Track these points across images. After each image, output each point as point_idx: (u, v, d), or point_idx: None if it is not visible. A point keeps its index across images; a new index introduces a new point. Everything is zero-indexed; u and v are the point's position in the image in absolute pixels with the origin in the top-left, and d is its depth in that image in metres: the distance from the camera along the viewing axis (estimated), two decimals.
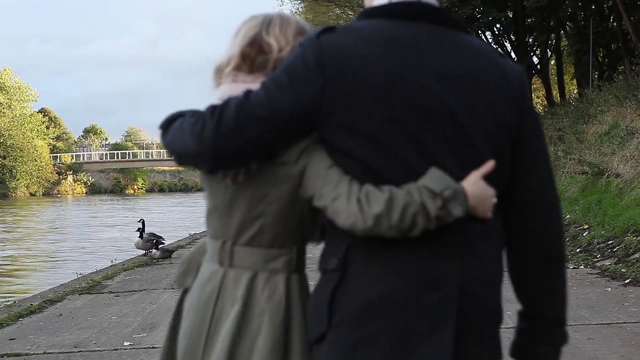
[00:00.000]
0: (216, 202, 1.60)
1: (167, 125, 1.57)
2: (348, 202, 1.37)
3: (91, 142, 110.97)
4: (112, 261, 11.36)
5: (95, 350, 5.06)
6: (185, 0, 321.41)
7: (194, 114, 1.49)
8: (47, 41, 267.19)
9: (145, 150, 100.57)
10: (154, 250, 10.81)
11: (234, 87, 1.55)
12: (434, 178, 1.38)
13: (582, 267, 7.68)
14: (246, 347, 1.53)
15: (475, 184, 1.41)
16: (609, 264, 7.47)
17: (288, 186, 1.50)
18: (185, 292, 1.73)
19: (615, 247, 7.95)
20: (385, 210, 1.34)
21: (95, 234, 23.16)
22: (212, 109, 1.45)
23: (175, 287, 1.79)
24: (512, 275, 1.66)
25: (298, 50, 1.45)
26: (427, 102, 1.39)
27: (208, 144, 1.43)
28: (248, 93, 1.44)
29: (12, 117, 73.31)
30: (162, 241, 11.59)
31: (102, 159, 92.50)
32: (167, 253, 10.85)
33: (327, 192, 1.41)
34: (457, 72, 1.42)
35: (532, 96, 25.50)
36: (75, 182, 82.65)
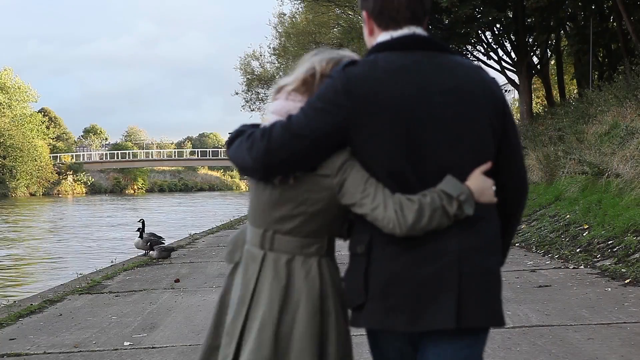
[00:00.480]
0: (261, 199, 1.97)
1: (231, 142, 1.99)
2: (385, 211, 1.78)
3: (91, 142, 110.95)
4: (112, 261, 11.35)
5: (95, 350, 5.06)
6: (185, 0, 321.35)
7: (250, 134, 1.90)
8: (47, 41, 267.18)
9: (145, 150, 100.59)
10: (150, 252, 10.82)
11: (287, 104, 1.96)
12: (450, 185, 1.80)
13: (582, 267, 7.68)
14: (289, 315, 1.90)
15: (476, 180, 1.85)
16: (609, 264, 7.47)
17: (327, 194, 1.88)
18: (233, 268, 2.08)
19: (615, 247, 7.95)
20: (417, 219, 1.77)
21: (95, 234, 23.16)
22: (262, 131, 1.86)
23: (226, 262, 2.13)
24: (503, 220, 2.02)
25: (329, 81, 1.86)
26: (432, 112, 1.82)
27: (259, 161, 1.85)
28: (290, 117, 1.85)
29: (12, 117, 73.27)
30: (162, 241, 11.59)
31: (102, 159, 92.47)
32: (166, 252, 10.84)
33: (367, 202, 1.80)
34: (452, 86, 1.86)
35: (532, 98, 25.48)
36: (75, 182, 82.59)
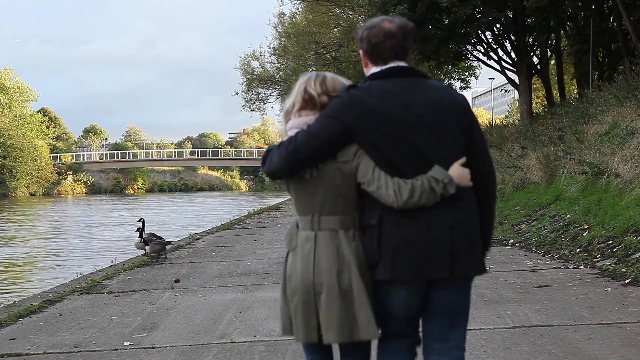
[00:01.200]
0: (302, 194, 2.60)
1: (264, 160, 2.63)
2: (387, 190, 2.45)
3: (91, 142, 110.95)
4: (112, 261, 11.35)
5: (95, 350, 5.06)
6: (183, 0, 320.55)
7: (279, 145, 2.57)
8: (46, 41, 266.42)
9: (145, 150, 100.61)
10: (146, 248, 10.84)
11: (301, 119, 2.60)
12: (437, 172, 2.48)
13: (582, 267, 7.68)
14: (346, 274, 2.52)
15: (456, 169, 2.51)
16: (609, 264, 7.47)
17: (348, 177, 2.53)
18: (289, 253, 2.68)
19: (615, 247, 7.95)
20: (410, 196, 2.44)
21: (95, 233, 23.16)
22: (289, 139, 2.54)
23: (286, 248, 2.70)
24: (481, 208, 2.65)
25: (337, 99, 2.55)
26: (416, 121, 2.50)
27: (289, 158, 2.51)
28: (309, 126, 2.54)
29: (12, 117, 73.25)
30: (161, 241, 11.59)
31: (102, 159, 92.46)
32: (159, 246, 10.85)
33: (374, 183, 2.47)
34: (430, 101, 2.54)
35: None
36: (75, 182, 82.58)
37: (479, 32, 22.99)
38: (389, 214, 2.48)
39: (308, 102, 2.61)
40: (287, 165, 2.53)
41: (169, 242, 11.39)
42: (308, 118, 2.58)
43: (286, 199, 42.84)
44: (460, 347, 2.70)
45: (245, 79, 40.15)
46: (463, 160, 2.54)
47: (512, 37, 23.47)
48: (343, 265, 2.53)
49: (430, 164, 2.49)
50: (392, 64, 2.60)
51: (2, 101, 72.80)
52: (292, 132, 2.59)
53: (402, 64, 2.62)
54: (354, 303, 2.52)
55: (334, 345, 2.64)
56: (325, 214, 2.56)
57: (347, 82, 2.66)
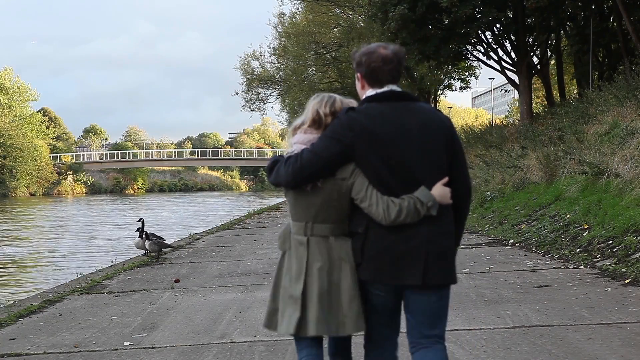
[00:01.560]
0: (300, 203, 2.86)
1: (271, 169, 2.90)
2: (377, 209, 2.72)
3: (91, 142, 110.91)
4: (112, 261, 11.35)
5: (95, 350, 5.06)
6: (183, 0, 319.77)
7: (287, 160, 2.83)
8: (45, 41, 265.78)
9: (145, 150, 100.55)
10: (147, 243, 10.91)
11: (306, 136, 2.87)
12: (423, 194, 2.74)
13: (582, 267, 7.68)
14: (336, 275, 2.80)
15: (439, 189, 2.78)
16: (609, 264, 7.47)
17: (343, 192, 2.80)
18: (283, 254, 2.94)
19: (615, 247, 7.95)
20: (397, 216, 2.71)
21: (96, 233, 23.16)
22: (295, 156, 2.80)
23: (279, 249, 2.96)
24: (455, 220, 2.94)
25: (336, 120, 2.81)
26: (406, 141, 2.77)
27: (296, 174, 2.79)
28: (313, 144, 2.82)
29: (12, 117, 73.23)
30: (159, 242, 11.59)
31: (102, 159, 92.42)
32: (156, 246, 10.93)
33: (366, 200, 2.74)
34: (418, 124, 2.79)
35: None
36: (75, 182, 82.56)
37: (479, 32, 22.98)
38: (374, 224, 2.78)
39: (316, 122, 2.89)
40: (293, 180, 2.82)
41: (168, 245, 11.38)
42: (312, 136, 2.86)
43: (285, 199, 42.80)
44: (441, 340, 2.90)
45: (245, 79, 40.16)
46: (445, 180, 2.81)
47: (512, 37, 23.46)
48: (334, 266, 2.81)
49: (417, 181, 2.77)
50: (387, 88, 2.86)
51: (2, 101, 72.76)
52: (296, 147, 2.87)
53: (395, 87, 2.89)
54: (343, 300, 2.80)
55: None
56: (318, 222, 2.84)
57: (353, 103, 2.90)
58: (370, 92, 2.86)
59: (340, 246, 2.82)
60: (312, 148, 2.80)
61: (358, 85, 2.93)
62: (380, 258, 2.76)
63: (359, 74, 2.89)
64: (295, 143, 2.89)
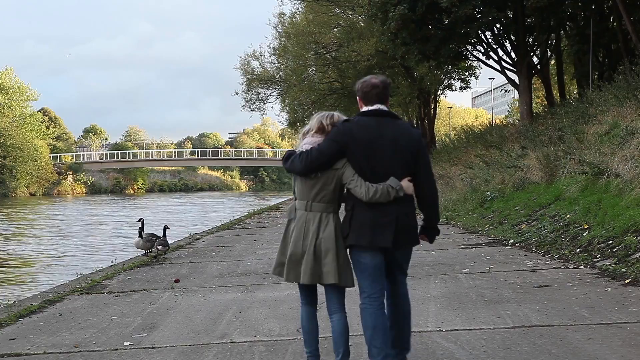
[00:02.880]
0: (305, 186, 3.91)
1: (286, 159, 3.98)
2: (360, 189, 3.77)
3: (91, 142, 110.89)
4: (112, 261, 11.36)
5: (95, 350, 5.06)
6: (180, 0, 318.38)
7: (299, 155, 3.88)
8: (43, 41, 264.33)
9: (145, 150, 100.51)
10: (139, 239, 11.09)
11: (314, 139, 3.94)
12: (393, 181, 3.78)
13: (582, 267, 7.68)
14: (323, 236, 3.86)
15: (405, 182, 3.81)
16: (609, 264, 7.47)
17: (337, 180, 3.86)
18: (290, 221, 4.01)
19: (615, 247, 7.95)
20: (374, 194, 3.76)
21: (96, 233, 23.16)
22: (306, 153, 3.84)
23: (287, 217, 4.04)
24: (420, 209, 4.06)
25: (336, 128, 3.88)
26: (381, 147, 3.81)
27: (306, 166, 3.84)
28: (319, 145, 3.88)
29: (12, 117, 73.21)
30: (153, 239, 11.59)
31: (102, 159, 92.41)
32: (149, 244, 11.09)
33: (352, 182, 3.80)
34: (393, 135, 3.82)
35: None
36: (75, 182, 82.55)
37: (479, 32, 22.96)
38: (358, 204, 3.85)
39: (320, 130, 4.01)
40: (304, 170, 3.90)
41: (164, 245, 11.43)
42: (318, 139, 3.96)
43: (286, 199, 42.81)
44: (405, 274, 4.18)
45: (245, 79, 40.11)
46: (409, 178, 3.89)
47: (512, 37, 23.46)
48: (322, 235, 3.88)
49: (387, 174, 3.83)
50: (375, 106, 3.93)
51: (2, 101, 72.75)
52: (306, 146, 3.95)
53: (382, 107, 3.94)
54: (324, 260, 3.87)
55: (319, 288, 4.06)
56: (316, 202, 3.92)
57: (344, 117, 4.04)
58: (364, 108, 3.97)
59: (328, 221, 3.91)
60: (318, 147, 3.89)
61: (359, 104, 4.02)
62: (362, 228, 3.83)
63: (358, 97, 4.01)
64: (305, 144, 3.99)
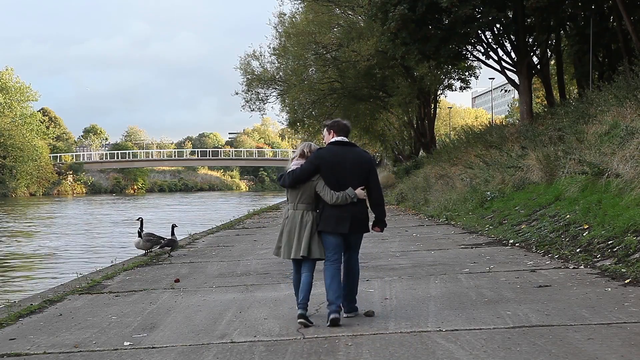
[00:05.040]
0: (292, 193, 5.68)
1: (280, 178, 5.86)
2: (326, 196, 5.60)
3: (91, 142, 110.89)
4: (112, 261, 11.36)
5: (95, 350, 5.06)
6: (177, 0, 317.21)
7: (290, 173, 5.67)
8: (40, 41, 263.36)
9: (145, 150, 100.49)
10: (139, 239, 11.18)
11: (299, 162, 5.73)
12: (350, 191, 5.60)
13: (582, 267, 7.68)
14: (305, 225, 5.62)
15: (358, 190, 5.64)
16: (609, 264, 7.47)
17: (312, 188, 5.64)
18: (285, 218, 5.73)
19: (615, 247, 7.95)
20: (336, 200, 5.57)
21: (96, 233, 23.16)
22: (293, 172, 5.65)
23: (282, 216, 5.85)
24: (371, 209, 5.83)
25: (312, 154, 5.72)
26: (344, 166, 5.65)
27: (289, 181, 5.66)
28: (301, 165, 5.67)
29: (13, 117, 73.21)
30: (162, 241, 11.61)
31: (102, 159, 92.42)
32: (149, 244, 11.17)
33: (322, 191, 5.63)
34: (352, 158, 5.69)
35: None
36: (75, 182, 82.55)
37: (479, 32, 22.94)
38: (326, 205, 5.59)
39: (302, 155, 5.76)
40: (292, 183, 5.64)
41: (162, 243, 11.50)
42: (302, 162, 5.70)
43: (286, 199, 42.81)
44: (357, 252, 5.86)
45: (245, 79, 40.07)
46: (363, 187, 5.64)
47: (512, 37, 23.43)
48: (303, 224, 5.61)
49: (347, 185, 5.57)
50: (339, 138, 5.73)
51: (2, 101, 72.74)
52: (294, 166, 5.68)
53: (345, 139, 5.75)
54: (304, 240, 5.56)
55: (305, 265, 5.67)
56: (300, 203, 5.65)
57: (318, 147, 5.79)
58: (333, 139, 5.74)
59: (308, 215, 5.64)
60: (301, 167, 5.64)
61: (327, 136, 5.81)
62: (328, 220, 5.58)
63: (329, 130, 5.81)
64: (293, 165, 5.73)
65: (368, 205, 5.76)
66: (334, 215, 5.50)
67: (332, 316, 5.40)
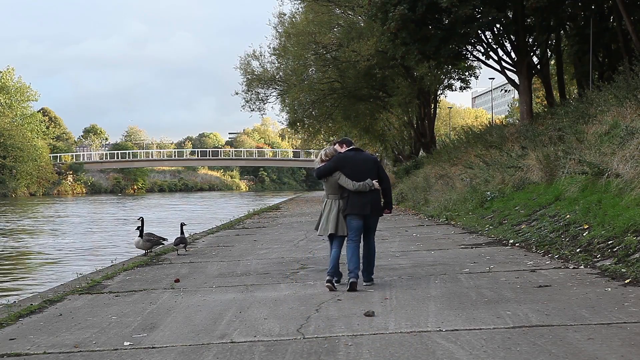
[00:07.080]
0: (326, 185, 7.60)
1: (314, 171, 7.89)
2: (348, 185, 7.42)
3: (91, 142, 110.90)
4: (112, 261, 11.36)
5: (95, 350, 5.06)
6: (174, 0, 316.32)
7: (316, 170, 7.71)
8: (37, 41, 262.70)
9: (145, 150, 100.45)
10: (139, 239, 11.22)
11: (324, 163, 7.60)
12: (369, 181, 7.46)
13: (582, 267, 7.68)
14: (334, 210, 7.48)
15: (375, 182, 7.48)
16: (609, 264, 7.47)
17: (336, 182, 7.48)
18: (324, 204, 7.64)
19: (615, 247, 7.95)
20: (357, 187, 7.39)
21: (96, 233, 23.16)
22: (318, 170, 7.62)
23: (321, 201, 7.81)
24: (383, 196, 7.65)
25: (334, 157, 7.61)
26: (358, 165, 7.53)
27: (317, 175, 7.68)
28: (325, 164, 7.59)
29: (13, 117, 73.21)
30: (162, 242, 11.60)
31: (102, 159, 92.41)
32: (149, 243, 11.25)
33: (344, 182, 7.43)
34: (363, 159, 7.64)
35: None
36: (75, 182, 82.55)
37: (479, 32, 22.94)
38: (351, 193, 7.28)
39: (326, 158, 7.50)
40: (319, 176, 7.49)
41: (162, 243, 11.56)
42: (326, 163, 7.43)
43: (285, 199, 42.80)
44: (373, 233, 7.54)
45: (245, 79, 40.09)
46: (376, 180, 7.38)
47: (512, 37, 23.43)
48: (336, 209, 7.36)
49: (364, 178, 7.28)
50: (351, 147, 7.59)
51: (2, 101, 72.73)
52: (321, 166, 7.44)
53: (355, 146, 7.61)
54: (336, 220, 7.33)
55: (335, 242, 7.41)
56: (331, 193, 7.44)
57: (340, 150, 7.59)
58: (344, 149, 7.54)
59: (335, 203, 7.35)
60: (325, 166, 7.39)
61: (340, 149, 7.58)
62: (353, 205, 7.24)
63: (343, 144, 7.63)
64: (320, 164, 7.47)
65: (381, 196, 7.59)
66: (358, 201, 7.24)
67: (351, 280, 7.11)
